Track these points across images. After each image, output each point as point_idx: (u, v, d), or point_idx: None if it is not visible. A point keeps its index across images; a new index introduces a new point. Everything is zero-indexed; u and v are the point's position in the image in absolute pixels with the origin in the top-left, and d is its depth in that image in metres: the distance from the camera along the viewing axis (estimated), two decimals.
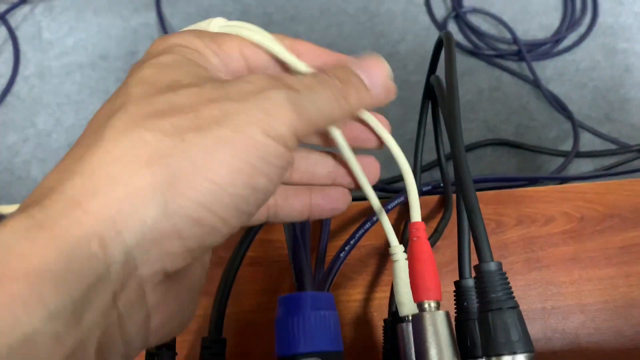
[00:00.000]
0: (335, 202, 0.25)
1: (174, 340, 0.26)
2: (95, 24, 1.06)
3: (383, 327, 0.35)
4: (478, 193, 0.45)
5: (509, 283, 0.23)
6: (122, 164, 0.15)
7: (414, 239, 0.24)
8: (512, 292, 0.23)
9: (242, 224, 0.18)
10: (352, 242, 0.38)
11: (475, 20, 0.97)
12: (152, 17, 1.07)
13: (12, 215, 0.14)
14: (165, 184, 0.15)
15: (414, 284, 0.23)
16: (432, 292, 0.22)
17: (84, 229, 0.14)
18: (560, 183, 0.56)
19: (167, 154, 0.16)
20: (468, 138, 0.82)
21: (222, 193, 0.16)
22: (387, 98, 0.23)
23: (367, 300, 0.40)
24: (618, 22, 0.91)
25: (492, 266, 0.23)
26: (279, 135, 0.17)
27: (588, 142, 0.81)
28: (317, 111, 0.19)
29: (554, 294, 0.40)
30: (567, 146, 0.81)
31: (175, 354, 0.27)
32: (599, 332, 0.39)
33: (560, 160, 0.79)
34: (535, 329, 0.39)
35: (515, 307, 0.22)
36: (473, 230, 0.23)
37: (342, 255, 0.37)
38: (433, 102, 0.44)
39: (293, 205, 0.24)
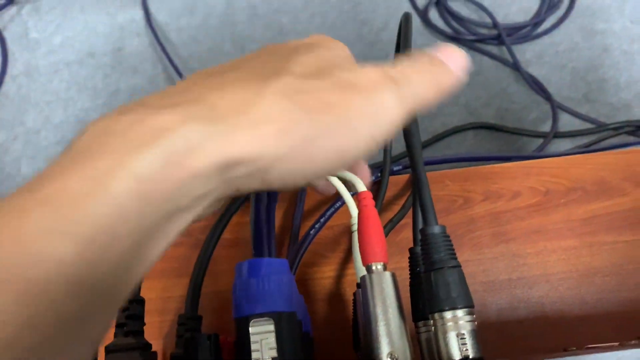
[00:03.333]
0: None
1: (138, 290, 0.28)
2: (81, 21, 1.07)
3: (353, 299, 0.37)
4: (446, 171, 0.47)
5: (451, 245, 0.24)
6: (273, 117, 0.19)
7: (362, 207, 0.25)
8: (454, 253, 0.24)
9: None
10: (322, 220, 0.40)
11: (456, 5, 0.98)
12: (138, 13, 1.07)
13: (188, 115, 0.18)
14: (294, 151, 0.19)
15: (362, 249, 0.24)
16: (378, 255, 0.24)
17: (234, 152, 0.18)
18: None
19: (293, 126, 0.19)
20: (450, 122, 0.83)
21: (314, 172, 0.20)
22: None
23: (340, 277, 0.42)
24: (596, 3, 0.92)
25: (436, 229, 0.24)
26: (381, 135, 0.21)
27: (567, 123, 0.83)
28: (417, 100, 0.22)
29: (519, 265, 0.42)
30: (546, 127, 0.82)
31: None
32: (562, 300, 0.40)
33: (540, 141, 0.80)
34: (501, 299, 0.41)
35: (457, 266, 0.24)
36: (420, 197, 0.25)
37: (312, 232, 0.39)
38: None
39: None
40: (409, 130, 0.26)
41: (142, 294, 0.45)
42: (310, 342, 0.32)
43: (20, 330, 0.14)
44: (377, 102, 0.21)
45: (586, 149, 0.65)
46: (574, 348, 0.36)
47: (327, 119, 0.20)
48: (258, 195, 0.28)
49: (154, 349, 0.33)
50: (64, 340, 0.16)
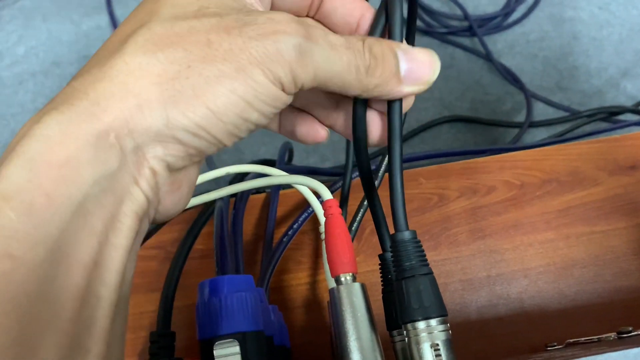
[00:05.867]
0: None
1: None
2: (45, 30, 1.04)
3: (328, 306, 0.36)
4: (420, 169, 0.46)
5: (422, 250, 0.23)
6: (136, 77, 0.18)
7: (327, 216, 0.24)
8: (425, 259, 0.23)
9: (234, 142, 0.20)
10: (295, 226, 0.39)
11: None
12: (103, 19, 1.05)
13: (43, 111, 0.17)
14: (169, 102, 0.18)
15: (330, 260, 0.23)
16: (347, 266, 0.23)
17: (103, 124, 0.17)
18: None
19: (173, 76, 0.18)
20: (424, 117, 0.83)
21: (216, 119, 0.18)
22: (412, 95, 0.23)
23: (316, 282, 0.41)
24: None
25: (406, 235, 0.23)
26: (277, 79, 0.19)
27: (542, 112, 0.83)
28: (327, 70, 0.20)
29: (497, 262, 0.41)
30: (521, 117, 0.82)
31: None
32: (541, 294, 0.40)
33: (516, 131, 0.80)
34: (481, 297, 0.40)
35: (428, 273, 0.23)
36: (392, 199, 0.24)
37: (285, 239, 0.38)
38: None
39: (296, 129, 0.25)
40: (390, 126, 0.24)
41: None
42: (286, 354, 0.31)
43: None
44: (269, 45, 0.18)
45: (561, 138, 0.65)
46: (555, 344, 0.36)
47: (208, 67, 0.18)
48: (221, 208, 0.26)
49: None
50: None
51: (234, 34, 0.18)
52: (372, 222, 0.43)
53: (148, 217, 0.19)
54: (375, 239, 0.43)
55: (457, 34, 0.92)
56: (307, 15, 0.25)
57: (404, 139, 0.80)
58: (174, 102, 0.18)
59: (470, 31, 0.91)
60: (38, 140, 0.17)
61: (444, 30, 0.92)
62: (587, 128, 0.76)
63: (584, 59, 0.86)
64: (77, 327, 0.16)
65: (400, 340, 0.26)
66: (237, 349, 0.20)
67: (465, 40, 0.92)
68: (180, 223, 0.44)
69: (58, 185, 0.16)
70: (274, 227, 0.41)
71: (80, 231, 0.16)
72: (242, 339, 0.21)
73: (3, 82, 0.97)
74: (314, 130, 0.25)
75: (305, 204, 0.43)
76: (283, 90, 0.19)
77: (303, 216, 0.40)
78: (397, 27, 0.22)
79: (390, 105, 0.23)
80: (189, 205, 0.37)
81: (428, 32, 0.93)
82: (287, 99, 0.20)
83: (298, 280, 0.41)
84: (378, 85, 0.21)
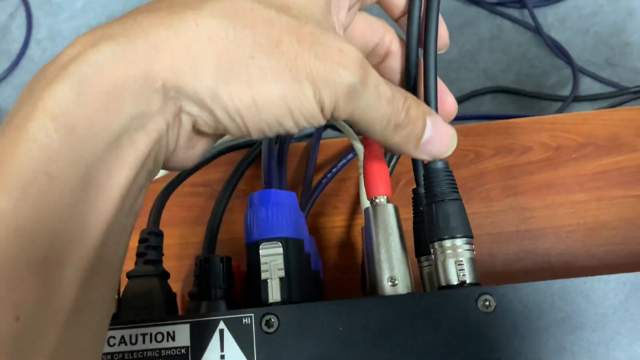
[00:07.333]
0: None
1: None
2: None
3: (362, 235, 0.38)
4: (459, 126, 0.47)
5: (453, 180, 0.25)
6: (200, 43, 0.18)
7: (366, 145, 0.26)
8: (455, 187, 0.25)
9: (258, 138, 0.21)
10: (334, 170, 0.41)
11: None
12: None
13: (99, 35, 0.18)
14: (221, 79, 0.18)
15: (366, 184, 0.25)
16: (381, 188, 0.25)
17: (154, 70, 0.18)
18: None
19: (235, 58, 0.18)
20: (467, 87, 0.83)
21: (256, 112, 0.19)
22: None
23: (350, 226, 0.43)
24: None
25: (439, 164, 0.25)
26: (322, 102, 0.20)
27: (588, 87, 0.81)
28: (364, 114, 0.21)
29: (527, 218, 0.42)
30: (566, 92, 0.81)
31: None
32: (569, 252, 0.41)
33: (559, 105, 0.80)
34: (509, 250, 0.42)
35: (457, 199, 0.25)
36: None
37: (323, 181, 0.40)
38: None
39: None
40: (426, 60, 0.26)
41: None
42: (320, 282, 0.34)
43: None
44: (329, 72, 0.19)
45: None
46: None
47: (270, 65, 0.19)
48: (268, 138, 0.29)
49: (173, 290, 0.35)
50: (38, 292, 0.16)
51: (304, 47, 0.19)
52: (407, 175, 0.45)
53: (162, 162, 0.20)
54: (409, 190, 0.45)
55: (507, 5, 0.91)
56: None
57: None
58: (226, 82, 0.18)
59: (520, 3, 0.90)
60: (91, 65, 0.17)
61: (493, 0, 0.91)
62: (634, 104, 0.75)
63: (638, 36, 0.83)
64: (98, 253, 0.17)
65: (427, 265, 0.28)
66: (280, 249, 0.23)
67: (515, 12, 0.91)
68: (226, 164, 0.46)
69: (100, 113, 0.17)
70: (314, 172, 0.43)
71: (112, 163, 0.17)
72: (285, 243, 0.23)
73: (62, 35, 1.02)
74: None
75: (344, 152, 0.45)
76: (322, 113, 0.20)
77: (342, 162, 0.42)
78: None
79: None
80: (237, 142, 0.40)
81: (476, 2, 0.92)
82: (322, 122, 0.21)
83: (333, 223, 0.44)
84: (397, 142, 0.22)
